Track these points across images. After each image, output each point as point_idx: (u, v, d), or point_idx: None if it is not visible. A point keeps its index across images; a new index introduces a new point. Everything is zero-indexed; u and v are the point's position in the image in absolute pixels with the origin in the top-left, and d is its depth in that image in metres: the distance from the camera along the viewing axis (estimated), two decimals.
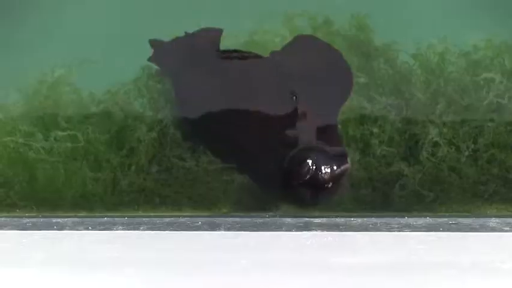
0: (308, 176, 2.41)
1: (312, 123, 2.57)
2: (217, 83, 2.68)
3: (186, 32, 2.83)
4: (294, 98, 2.59)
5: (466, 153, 2.61)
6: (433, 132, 2.63)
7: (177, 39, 2.83)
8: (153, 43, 2.83)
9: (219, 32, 2.80)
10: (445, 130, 2.64)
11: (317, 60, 2.71)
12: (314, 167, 2.42)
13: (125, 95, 2.79)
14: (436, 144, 2.62)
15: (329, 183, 2.44)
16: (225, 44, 2.83)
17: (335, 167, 2.44)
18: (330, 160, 2.45)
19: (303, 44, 2.75)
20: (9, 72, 2.89)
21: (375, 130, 2.65)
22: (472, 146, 2.62)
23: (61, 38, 2.95)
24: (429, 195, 2.59)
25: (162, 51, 2.81)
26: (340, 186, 2.50)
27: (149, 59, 2.79)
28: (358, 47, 2.82)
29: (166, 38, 2.84)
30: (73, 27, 2.96)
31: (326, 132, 2.57)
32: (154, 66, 2.82)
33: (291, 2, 2.93)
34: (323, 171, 2.42)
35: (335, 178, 2.45)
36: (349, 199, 2.62)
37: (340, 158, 2.47)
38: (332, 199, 2.54)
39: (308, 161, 2.42)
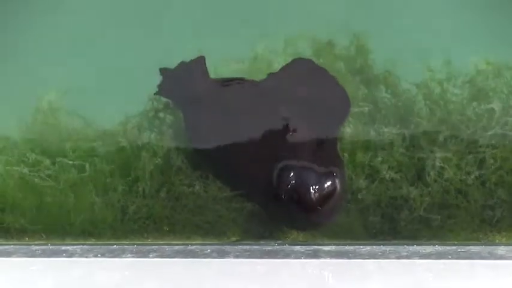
0: (289, 186, 2.41)
1: (307, 145, 2.59)
2: (220, 111, 2.71)
3: (182, 62, 2.86)
4: (285, 121, 2.63)
5: (473, 177, 2.62)
6: (439, 157, 2.64)
7: (176, 70, 2.86)
8: (163, 72, 2.86)
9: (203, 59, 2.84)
10: (450, 155, 2.65)
11: (313, 83, 2.74)
12: (295, 179, 2.43)
13: (133, 125, 2.82)
14: (443, 169, 2.63)
15: (316, 204, 2.42)
16: (226, 68, 2.88)
17: (324, 185, 2.43)
18: (316, 178, 2.44)
19: (300, 67, 2.78)
20: (8, 98, 2.93)
21: (382, 156, 2.66)
22: (478, 170, 2.63)
23: (64, 64, 3.00)
24: (437, 219, 2.60)
25: (168, 82, 2.84)
26: (332, 210, 2.49)
27: (156, 93, 2.82)
28: (359, 73, 2.85)
29: (171, 66, 2.87)
30: (75, 54, 3.02)
31: (322, 155, 2.58)
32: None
33: (292, 23, 2.97)
34: (309, 190, 2.41)
35: (323, 198, 2.43)
36: (358, 226, 2.62)
37: (329, 178, 2.46)
38: (324, 223, 2.54)
39: (289, 171, 2.43)
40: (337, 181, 2.45)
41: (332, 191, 2.44)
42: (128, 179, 2.70)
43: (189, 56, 2.85)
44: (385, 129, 2.71)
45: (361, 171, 2.65)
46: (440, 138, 2.67)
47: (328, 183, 2.44)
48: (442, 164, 2.63)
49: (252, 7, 3.08)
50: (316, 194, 2.41)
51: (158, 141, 2.78)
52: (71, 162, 2.73)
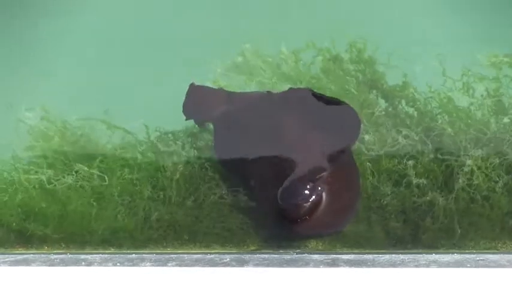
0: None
1: (317, 159, 2.62)
2: (237, 126, 2.76)
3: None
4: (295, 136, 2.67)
5: (499, 185, 2.61)
6: (466, 164, 2.63)
7: (196, 91, 2.89)
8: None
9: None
10: (478, 161, 2.63)
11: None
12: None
13: (163, 135, 2.84)
14: (468, 176, 2.62)
15: (291, 214, 2.50)
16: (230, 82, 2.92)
17: (297, 198, 2.50)
18: (295, 190, 2.51)
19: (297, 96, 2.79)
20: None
21: (408, 163, 2.66)
22: (505, 177, 2.63)
23: (92, 77, 3.03)
24: (458, 227, 2.60)
25: (188, 105, 2.86)
26: (326, 222, 2.53)
27: (186, 118, 2.84)
28: (373, 87, 2.85)
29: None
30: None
31: (337, 167, 2.61)
32: None
33: (299, 38, 2.98)
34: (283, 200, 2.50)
35: (297, 209, 2.50)
36: (380, 231, 2.61)
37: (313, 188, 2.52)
38: (319, 235, 2.58)
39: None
40: (315, 195, 2.51)
41: (310, 203, 2.51)
42: (155, 189, 2.72)
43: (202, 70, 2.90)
44: (410, 137, 2.71)
45: (386, 177, 2.66)
46: (465, 145, 2.67)
47: (302, 196, 2.51)
48: (469, 171, 2.62)
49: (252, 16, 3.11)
50: (288, 204, 2.51)
51: (187, 151, 2.80)
52: (97, 172, 2.75)
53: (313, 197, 2.51)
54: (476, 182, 2.60)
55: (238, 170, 2.70)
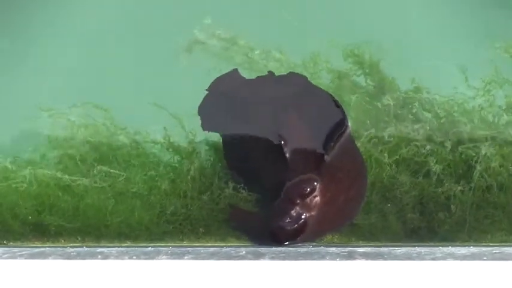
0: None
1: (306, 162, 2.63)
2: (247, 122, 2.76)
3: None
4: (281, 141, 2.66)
5: None
6: (484, 155, 2.64)
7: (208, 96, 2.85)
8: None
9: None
10: (496, 156, 2.64)
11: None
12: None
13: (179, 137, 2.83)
14: (484, 166, 2.62)
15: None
16: None
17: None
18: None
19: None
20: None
21: (428, 154, 2.66)
22: None
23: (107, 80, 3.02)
24: (474, 219, 2.60)
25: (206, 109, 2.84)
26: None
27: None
28: (385, 90, 2.83)
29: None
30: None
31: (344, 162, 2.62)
32: None
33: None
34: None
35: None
36: (397, 222, 2.62)
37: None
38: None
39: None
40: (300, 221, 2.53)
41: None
42: (172, 182, 2.72)
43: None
44: (429, 130, 2.71)
45: (406, 166, 2.66)
46: (484, 138, 2.67)
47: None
48: (486, 163, 2.63)
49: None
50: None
51: (203, 146, 2.79)
52: (112, 170, 2.75)
53: (299, 222, 2.53)
54: (493, 174, 2.60)
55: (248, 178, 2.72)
